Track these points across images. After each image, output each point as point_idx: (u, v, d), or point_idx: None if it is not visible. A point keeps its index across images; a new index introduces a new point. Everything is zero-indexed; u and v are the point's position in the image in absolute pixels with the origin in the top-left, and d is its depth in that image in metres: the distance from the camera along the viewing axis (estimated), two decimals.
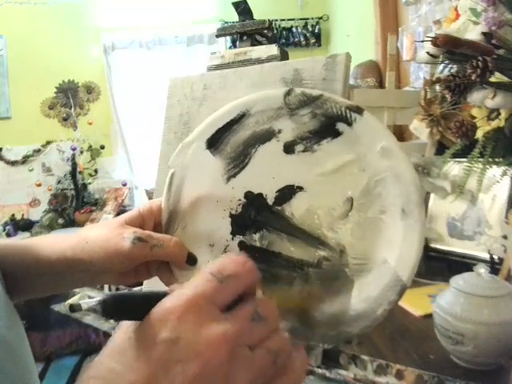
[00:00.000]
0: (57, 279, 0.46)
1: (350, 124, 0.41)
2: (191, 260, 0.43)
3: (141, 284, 0.70)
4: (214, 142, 0.44)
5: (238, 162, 0.44)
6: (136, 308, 0.29)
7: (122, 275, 0.45)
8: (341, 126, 0.41)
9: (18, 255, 0.45)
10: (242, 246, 0.44)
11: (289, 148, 0.43)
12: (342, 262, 0.40)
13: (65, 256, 0.43)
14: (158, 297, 0.29)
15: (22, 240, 0.47)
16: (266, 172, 0.44)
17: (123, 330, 0.28)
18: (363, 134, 0.40)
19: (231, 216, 0.44)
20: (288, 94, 0.43)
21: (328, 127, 0.42)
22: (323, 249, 0.39)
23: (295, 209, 0.43)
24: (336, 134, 0.41)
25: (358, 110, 0.40)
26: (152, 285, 0.49)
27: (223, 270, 0.29)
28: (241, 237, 0.44)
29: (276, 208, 0.43)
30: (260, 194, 0.44)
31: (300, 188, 0.43)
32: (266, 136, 0.44)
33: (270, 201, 0.43)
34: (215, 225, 0.44)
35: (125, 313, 0.29)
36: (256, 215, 0.44)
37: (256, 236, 0.44)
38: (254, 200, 0.44)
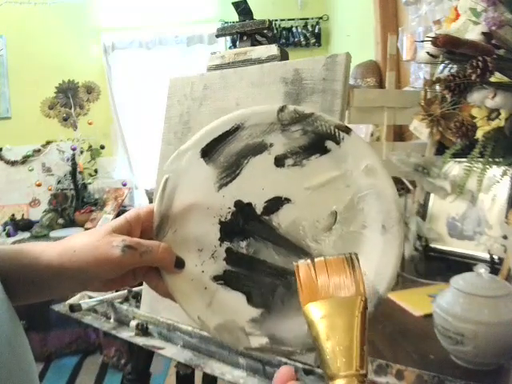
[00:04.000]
0: (45, 287, 0.45)
1: (338, 142, 0.43)
2: (179, 264, 0.44)
3: (141, 284, 0.70)
4: (209, 152, 0.46)
5: (230, 172, 0.46)
6: None
7: (110, 281, 0.45)
8: (329, 144, 0.43)
9: (11, 260, 0.45)
10: (229, 252, 0.45)
11: (279, 161, 0.45)
12: None
13: (52, 264, 0.43)
14: None
15: (14, 245, 0.47)
16: (257, 183, 0.45)
17: None
18: (350, 152, 0.43)
19: (220, 223, 0.46)
20: (281, 110, 0.44)
21: (317, 144, 0.44)
22: (306, 259, 0.40)
23: (282, 219, 0.45)
24: (324, 150, 0.44)
25: (346, 130, 0.43)
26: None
27: None
28: (228, 243, 0.46)
29: (264, 218, 0.45)
30: (249, 204, 0.45)
31: (288, 200, 0.45)
32: (259, 149, 0.45)
33: (259, 210, 0.45)
34: (205, 230, 0.46)
35: None
36: (244, 223, 0.45)
37: (243, 243, 0.45)
38: (243, 209, 0.45)
